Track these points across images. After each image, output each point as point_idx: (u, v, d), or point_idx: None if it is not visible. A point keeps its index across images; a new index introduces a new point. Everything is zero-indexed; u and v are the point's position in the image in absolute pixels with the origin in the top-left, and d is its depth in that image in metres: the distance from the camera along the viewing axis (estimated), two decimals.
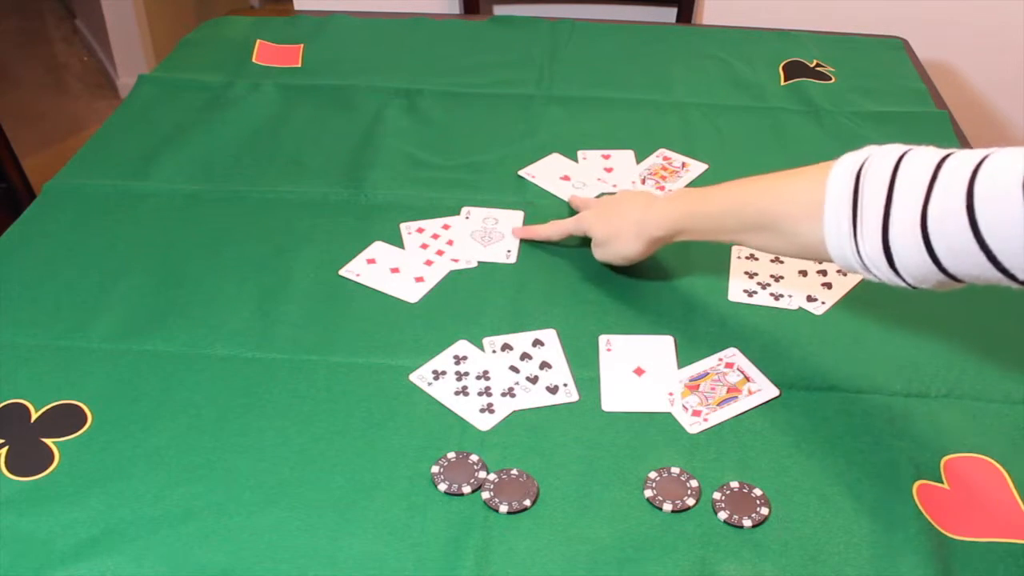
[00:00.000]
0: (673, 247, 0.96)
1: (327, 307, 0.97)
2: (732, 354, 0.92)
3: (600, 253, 1.01)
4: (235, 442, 0.82)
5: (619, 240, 0.97)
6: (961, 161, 0.66)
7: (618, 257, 0.99)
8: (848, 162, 0.74)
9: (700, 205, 0.90)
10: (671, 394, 0.88)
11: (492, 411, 0.86)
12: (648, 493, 0.78)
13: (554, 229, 1.05)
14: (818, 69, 1.46)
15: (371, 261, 1.04)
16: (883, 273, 0.72)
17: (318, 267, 1.03)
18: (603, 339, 0.94)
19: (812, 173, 0.77)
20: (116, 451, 0.81)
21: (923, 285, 0.71)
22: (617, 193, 1.07)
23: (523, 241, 1.07)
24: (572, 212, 1.11)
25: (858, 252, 0.72)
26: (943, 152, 0.69)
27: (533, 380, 0.89)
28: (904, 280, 0.71)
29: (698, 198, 0.91)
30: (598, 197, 1.12)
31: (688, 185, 1.18)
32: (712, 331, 0.95)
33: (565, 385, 0.88)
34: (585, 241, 1.03)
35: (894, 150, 0.72)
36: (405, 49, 1.50)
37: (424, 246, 1.06)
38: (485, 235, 1.08)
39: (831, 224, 0.73)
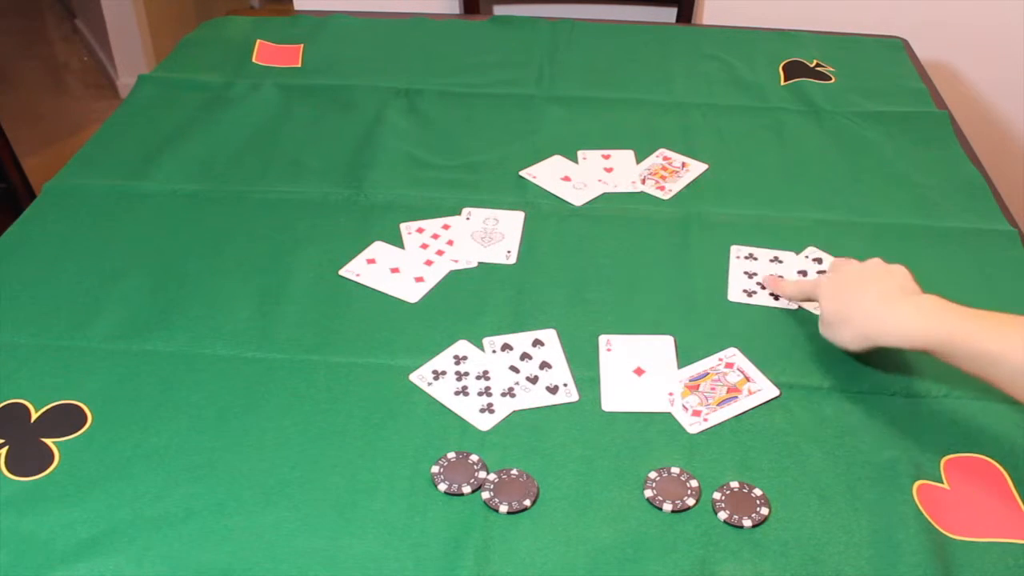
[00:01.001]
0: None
1: (327, 307, 0.97)
2: (732, 354, 0.92)
3: (829, 332, 0.90)
4: (235, 442, 0.82)
5: (847, 327, 0.87)
6: None
7: (842, 344, 0.89)
8: None
9: (963, 338, 0.78)
10: (671, 394, 0.88)
11: (492, 411, 0.86)
12: (648, 493, 0.78)
13: (795, 289, 0.97)
14: (818, 69, 1.46)
15: (371, 261, 1.04)
16: None
17: (318, 267, 1.03)
18: (603, 339, 0.94)
19: None
20: (116, 451, 0.81)
21: None
22: (857, 268, 0.91)
23: (523, 241, 1.07)
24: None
25: None
26: None
27: (533, 380, 0.89)
28: None
29: (963, 327, 0.79)
30: (836, 264, 0.96)
31: (687, 186, 1.18)
32: (712, 331, 0.95)
33: (565, 385, 0.88)
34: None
35: None
36: (405, 49, 1.50)
37: (424, 246, 1.06)
38: (485, 235, 1.08)
39: None
